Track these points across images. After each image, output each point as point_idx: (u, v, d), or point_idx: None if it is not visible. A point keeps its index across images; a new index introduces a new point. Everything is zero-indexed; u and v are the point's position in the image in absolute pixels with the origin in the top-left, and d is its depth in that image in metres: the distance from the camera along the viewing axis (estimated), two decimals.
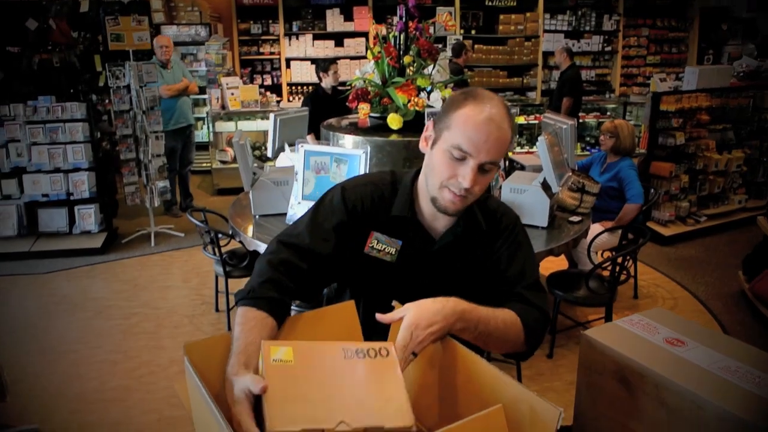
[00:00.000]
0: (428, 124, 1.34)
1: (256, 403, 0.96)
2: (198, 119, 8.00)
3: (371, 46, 3.64)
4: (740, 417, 0.87)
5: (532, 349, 1.30)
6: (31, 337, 3.80)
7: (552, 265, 4.18)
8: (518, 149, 7.27)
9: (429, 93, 3.46)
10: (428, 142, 1.33)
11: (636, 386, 1.01)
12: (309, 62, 8.38)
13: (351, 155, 2.90)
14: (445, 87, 3.55)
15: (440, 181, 1.27)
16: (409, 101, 3.38)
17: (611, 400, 1.07)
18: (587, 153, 7.78)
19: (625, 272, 3.50)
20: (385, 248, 1.37)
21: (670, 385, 0.96)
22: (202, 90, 7.44)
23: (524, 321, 1.25)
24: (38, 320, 4.05)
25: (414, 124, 3.39)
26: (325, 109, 4.78)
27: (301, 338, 1.16)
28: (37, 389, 3.25)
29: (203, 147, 7.69)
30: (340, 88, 5.54)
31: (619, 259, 3.36)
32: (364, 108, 3.47)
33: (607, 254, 4.03)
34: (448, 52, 6.69)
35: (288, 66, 8.52)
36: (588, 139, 8.34)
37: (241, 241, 3.35)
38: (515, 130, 1.27)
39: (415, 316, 1.09)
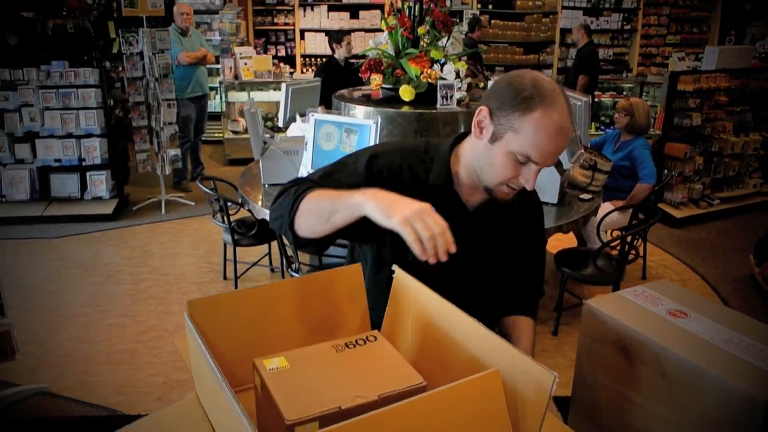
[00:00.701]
0: (482, 109, 1.26)
1: (263, 400, 0.97)
2: (211, 89, 7.97)
3: (386, 16, 3.59)
4: (740, 388, 0.86)
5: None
6: (42, 300, 3.86)
7: (560, 242, 4.16)
8: None
9: (442, 65, 3.42)
10: (484, 132, 1.27)
11: (636, 356, 1.01)
12: (323, 34, 8.30)
13: (361, 125, 2.88)
14: (459, 59, 3.51)
15: (501, 178, 1.26)
16: (422, 73, 3.34)
17: (611, 370, 1.06)
18: (601, 132, 7.69)
19: (633, 251, 3.48)
20: None
21: (670, 355, 0.95)
22: (215, 59, 7.41)
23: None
24: (49, 283, 4.10)
25: (426, 96, 3.36)
26: (337, 80, 4.75)
27: (309, 298, 1.17)
28: (47, 350, 3.30)
29: (215, 117, 7.68)
30: (352, 60, 5.50)
31: (629, 238, 3.33)
32: (376, 79, 3.44)
33: (616, 233, 4.00)
34: (464, 27, 6.61)
35: (302, 37, 8.45)
36: (603, 118, 8.25)
37: (250, 210, 3.36)
38: None
39: None
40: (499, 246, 1.40)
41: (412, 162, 1.37)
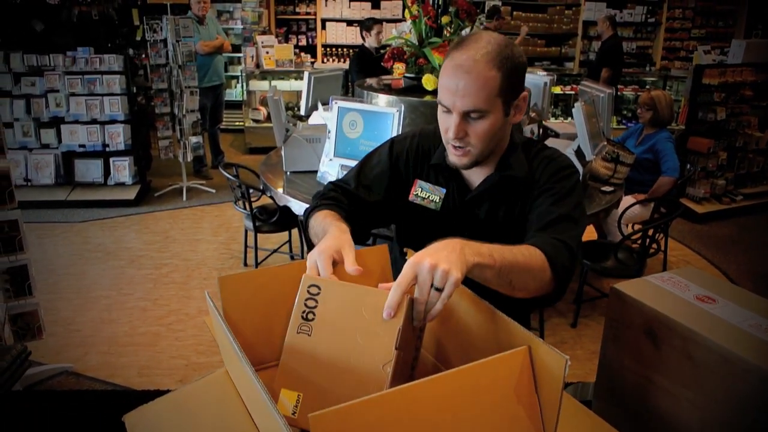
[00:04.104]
0: None
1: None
2: (232, 78, 8.02)
3: (409, 4, 3.58)
4: (765, 370, 0.86)
5: (560, 286, 1.15)
6: (66, 282, 3.93)
7: None
8: (553, 120, 7.16)
9: None
10: None
11: (663, 340, 1.01)
12: (345, 24, 8.32)
13: (384, 113, 2.89)
14: None
15: (443, 138, 1.28)
16: None
17: (637, 354, 1.07)
18: (623, 127, 7.62)
19: (654, 245, 3.46)
20: (428, 196, 1.39)
21: (697, 338, 0.95)
22: (237, 48, 7.44)
23: (546, 252, 1.13)
24: (73, 266, 4.17)
25: None
26: (370, 68, 4.76)
27: (336, 276, 1.18)
28: (72, 330, 3.36)
29: (236, 106, 7.72)
30: (382, 51, 5.51)
31: (650, 231, 3.31)
32: (399, 68, 3.44)
33: (638, 227, 3.98)
34: (483, 18, 6.57)
35: (323, 27, 8.46)
36: (625, 112, 8.17)
37: (272, 197, 3.38)
38: (508, 67, 1.18)
39: (418, 256, 0.97)
40: (508, 222, 1.35)
41: (426, 144, 1.42)
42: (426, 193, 1.39)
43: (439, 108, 1.25)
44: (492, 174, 1.34)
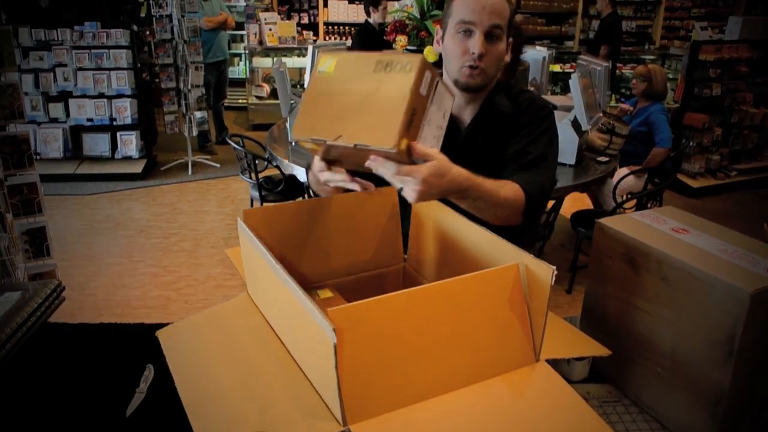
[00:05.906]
0: (437, 30, 1.48)
1: None
2: (235, 55, 8.09)
3: None
4: (732, 284, 0.98)
5: (527, 220, 1.35)
6: (78, 250, 4.06)
7: (576, 205, 4.26)
8: (551, 96, 7.23)
9: None
10: (439, 40, 1.47)
11: (641, 265, 1.13)
12: (346, 1, 8.37)
13: None
14: None
15: (458, 62, 1.39)
16: None
17: (618, 281, 1.19)
18: (622, 104, 7.69)
19: None
20: None
21: (671, 260, 1.07)
22: (240, 25, 7.50)
23: (525, 191, 1.33)
24: (84, 236, 4.30)
25: None
26: (373, 45, 4.84)
27: (344, 220, 1.29)
28: (86, 294, 3.50)
29: (240, 83, 7.80)
30: (384, 27, 5.58)
31: (643, 200, 3.42)
32: (401, 40, 3.54)
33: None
34: None
35: (325, 5, 8.51)
36: (623, 90, 8.23)
37: (277, 166, 3.50)
38: (513, 8, 1.42)
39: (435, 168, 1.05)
40: (498, 160, 1.46)
41: None
42: None
43: (453, 35, 1.37)
44: (480, 110, 1.48)
